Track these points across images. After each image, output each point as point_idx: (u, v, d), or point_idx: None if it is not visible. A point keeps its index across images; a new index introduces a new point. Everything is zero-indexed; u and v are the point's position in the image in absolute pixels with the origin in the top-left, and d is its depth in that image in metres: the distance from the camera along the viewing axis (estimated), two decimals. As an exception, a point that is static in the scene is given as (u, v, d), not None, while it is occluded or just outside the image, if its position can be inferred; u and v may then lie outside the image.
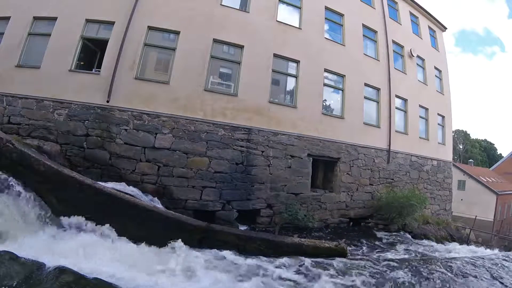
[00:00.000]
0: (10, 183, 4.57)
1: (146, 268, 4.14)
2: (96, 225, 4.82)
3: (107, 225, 4.84)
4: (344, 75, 10.35)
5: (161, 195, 7.07)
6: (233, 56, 8.86)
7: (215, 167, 7.69)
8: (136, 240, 4.84)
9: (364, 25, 11.47)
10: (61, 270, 3.16)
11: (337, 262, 5.22)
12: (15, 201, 4.42)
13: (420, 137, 12.55)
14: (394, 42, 12.32)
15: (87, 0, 7.99)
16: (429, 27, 14.70)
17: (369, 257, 6.19)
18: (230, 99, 8.33)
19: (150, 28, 8.03)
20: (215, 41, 8.45)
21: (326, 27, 10.61)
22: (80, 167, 6.75)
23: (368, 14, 11.77)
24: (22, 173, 4.80)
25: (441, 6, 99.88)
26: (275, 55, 9.13)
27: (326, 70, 10.02)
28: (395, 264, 5.34)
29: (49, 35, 7.70)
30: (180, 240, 4.92)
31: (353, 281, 4.49)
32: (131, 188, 6.50)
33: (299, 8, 10.11)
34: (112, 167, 7.01)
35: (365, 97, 10.83)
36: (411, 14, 13.80)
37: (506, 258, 6.24)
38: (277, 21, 9.48)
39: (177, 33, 8.17)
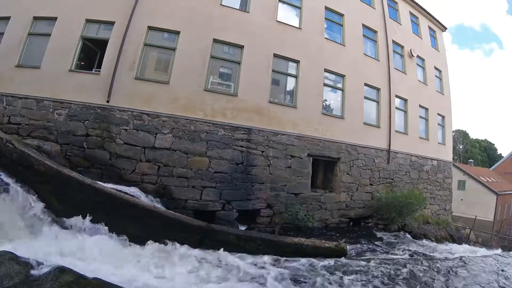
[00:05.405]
0: (10, 183, 4.56)
1: (146, 268, 4.14)
2: (96, 225, 4.81)
3: (107, 225, 4.84)
4: (344, 75, 10.35)
5: (161, 195, 7.08)
6: (233, 56, 8.86)
7: (215, 167, 7.69)
8: (136, 240, 4.84)
9: (364, 25, 11.48)
10: (61, 270, 3.15)
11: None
12: (15, 201, 4.42)
13: (420, 137, 12.55)
14: (394, 42, 12.32)
15: (87, 0, 7.98)
16: (429, 27, 14.71)
17: (369, 257, 6.19)
18: (230, 99, 8.33)
19: (150, 28, 8.03)
20: (215, 41, 8.46)
21: (326, 27, 10.61)
22: (80, 167, 6.75)
23: (368, 14, 11.77)
24: (22, 173, 4.80)
25: (437, 1, 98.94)
26: (275, 55, 9.13)
27: (326, 70, 10.02)
28: (395, 264, 5.35)
29: (49, 35, 7.69)
30: (180, 241, 4.92)
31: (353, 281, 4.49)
32: (131, 188, 6.50)
33: (299, 8, 10.11)
34: (112, 167, 7.01)
35: (365, 97, 10.83)
36: (411, 14, 13.81)
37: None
38: (277, 21, 9.48)
39: (177, 33, 8.17)
